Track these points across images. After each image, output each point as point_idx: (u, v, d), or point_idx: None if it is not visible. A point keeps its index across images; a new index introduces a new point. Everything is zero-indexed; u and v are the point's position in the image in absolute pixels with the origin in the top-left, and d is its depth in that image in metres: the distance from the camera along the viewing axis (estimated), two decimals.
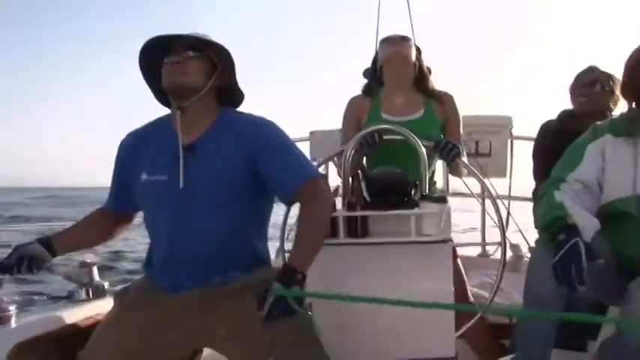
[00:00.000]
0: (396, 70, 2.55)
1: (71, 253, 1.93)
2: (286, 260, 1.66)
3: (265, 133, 1.80)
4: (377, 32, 2.73)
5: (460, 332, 2.12)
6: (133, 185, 1.86)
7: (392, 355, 1.96)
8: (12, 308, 1.73)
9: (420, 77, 2.58)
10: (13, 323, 1.73)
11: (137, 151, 1.88)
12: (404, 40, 2.55)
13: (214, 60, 1.79)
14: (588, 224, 1.72)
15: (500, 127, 3.21)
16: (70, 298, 2.04)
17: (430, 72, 2.65)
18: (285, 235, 2.31)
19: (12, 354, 1.65)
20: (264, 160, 1.75)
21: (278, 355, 1.65)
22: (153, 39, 1.76)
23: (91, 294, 2.12)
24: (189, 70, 1.73)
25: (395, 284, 1.95)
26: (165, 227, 1.81)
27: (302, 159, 1.81)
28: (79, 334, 1.83)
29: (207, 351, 2.05)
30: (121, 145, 1.94)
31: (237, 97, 1.91)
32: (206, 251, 1.74)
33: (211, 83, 1.78)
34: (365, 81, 2.71)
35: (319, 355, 1.71)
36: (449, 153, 2.21)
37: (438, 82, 2.65)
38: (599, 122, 2.03)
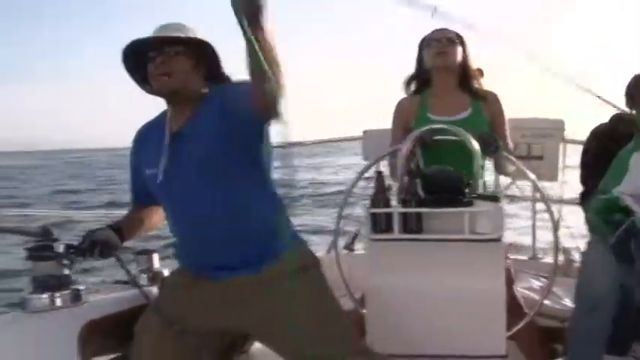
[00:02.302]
0: (442, 76, 2.55)
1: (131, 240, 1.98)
2: None
3: (229, 83, 1.83)
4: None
5: (511, 333, 2.13)
6: (142, 178, 1.92)
7: (442, 351, 1.99)
8: (82, 288, 1.81)
9: (465, 78, 2.58)
10: (84, 302, 1.81)
11: (140, 146, 1.96)
12: (451, 44, 2.51)
13: (198, 50, 1.79)
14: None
15: (553, 130, 3.17)
16: (131, 283, 2.12)
17: (482, 74, 2.65)
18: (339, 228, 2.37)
19: (83, 331, 1.73)
20: (226, 98, 1.75)
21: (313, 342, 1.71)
22: (133, 42, 1.77)
23: (149, 279, 2.21)
24: (174, 70, 1.74)
25: (447, 281, 1.98)
26: (173, 218, 1.88)
27: None
28: (137, 316, 1.91)
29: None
30: (132, 140, 2.01)
31: (224, 80, 1.89)
32: (217, 236, 1.76)
33: (198, 76, 1.81)
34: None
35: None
36: (488, 147, 2.18)
37: (488, 82, 2.65)
38: None
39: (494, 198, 2.03)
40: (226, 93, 1.77)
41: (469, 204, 2.00)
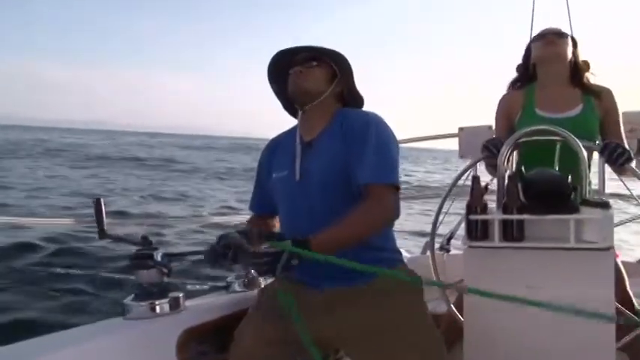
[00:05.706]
0: (550, 69, 2.44)
1: None
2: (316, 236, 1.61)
3: (363, 122, 1.82)
4: (531, 24, 2.59)
5: (621, 344, 2.00)
6: (268, 187, 2.00)
7: None
8: (181, 295, 1.85)
9: (576, 73, 2.45)
10: (182, 309, 1.84)
11: (271, 157, 2.02)
12: (560, 37, 2.42)
13: (334, 68, 1.92)
14: None
15: None
16: (227, 289, 2.15)
17: (588, 67, 2.50)
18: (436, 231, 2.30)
19: (181, 338, 1.77)
20: (351, 147, 1.79)
21: None
22: (277, 54, 1.93)
23: (245, 285, 2.23)
24: (310, 77, 1.88)
25: (550, 293, 1.87)
26: (287, 219, 1.93)
27: (384, 161, 1.77)
28: (233, 322, 1.93)
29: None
30: (262, 152, 2.10)
31: (358, 100, 2.00)
32: None
33: (332, 88, 1.90)
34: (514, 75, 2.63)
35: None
36: (618, 158, 2.05)
37: (596, 77, 2.50)
38: None
39: (603, 204, 1.88)
40: (357, 138, 1.80)
41: (575, 210, 1.87)
